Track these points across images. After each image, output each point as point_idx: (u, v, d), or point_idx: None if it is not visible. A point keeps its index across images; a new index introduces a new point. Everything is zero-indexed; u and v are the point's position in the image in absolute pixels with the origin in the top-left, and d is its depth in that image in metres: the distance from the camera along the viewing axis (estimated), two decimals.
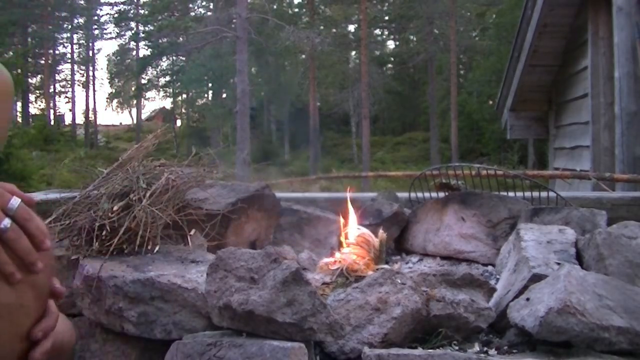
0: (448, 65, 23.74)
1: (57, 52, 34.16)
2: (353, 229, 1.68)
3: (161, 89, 33.48)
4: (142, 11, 29.96)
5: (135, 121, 35.32)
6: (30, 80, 31.68)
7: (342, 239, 1.68)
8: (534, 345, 1.17)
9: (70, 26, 32.92)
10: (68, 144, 26.61)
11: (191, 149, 1.91)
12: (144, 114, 38.45)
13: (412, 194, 2.23)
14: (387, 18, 31.15)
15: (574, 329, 1.05)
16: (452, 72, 22.69)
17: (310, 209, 2.01)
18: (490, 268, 1.79)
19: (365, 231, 1.68)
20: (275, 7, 25.64)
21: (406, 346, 1.19)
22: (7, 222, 0.65)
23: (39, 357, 0.66)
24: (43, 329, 0.68)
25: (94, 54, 34.95)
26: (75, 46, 34.74)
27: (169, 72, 31.58)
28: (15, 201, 0.66)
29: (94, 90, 47.65)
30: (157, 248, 1.48)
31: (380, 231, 1.70)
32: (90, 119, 33.31)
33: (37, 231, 0.66)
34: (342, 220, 1.74)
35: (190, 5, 29.74)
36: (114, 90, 36.31)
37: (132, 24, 31.51)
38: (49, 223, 1.50)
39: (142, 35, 29.84)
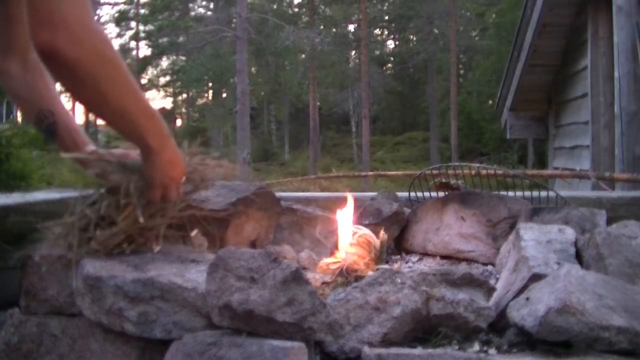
0: (448, 65, 23.72)
1: None
2: (349, 231, 1.68)
3: (161, 89, 33.46)
4: (142, 11, 29.93)
5: None
6: None
7: (341, 241, 1.68)
8: (534, 344, 1.17)
9: None
10: None
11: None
12: None
13: (412, 194, 2.23)
14: (387, 18, 31.14)
15: (573, 329, 1.05)
16: (452, 72, 22.67)
17: (310, 209, 2.01)
18: (490, 268, 1.79)
19: (367, 232, 1.68)
20: (275, 7, 25.63)
21: (406, 345, 1.20)
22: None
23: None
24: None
25: None
26: None
27: (169, 72, 31.55)
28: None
29: None
30: (157, 248, 1.47)
31: (382, 232, 1.70)
32: (90, 118, 33.30)
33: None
34: (338, 221, 1.73)
35: (190, 5, 29.71)
36: None
37: (132, 24, 31.48)
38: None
39: (142, 35, 29.84)
